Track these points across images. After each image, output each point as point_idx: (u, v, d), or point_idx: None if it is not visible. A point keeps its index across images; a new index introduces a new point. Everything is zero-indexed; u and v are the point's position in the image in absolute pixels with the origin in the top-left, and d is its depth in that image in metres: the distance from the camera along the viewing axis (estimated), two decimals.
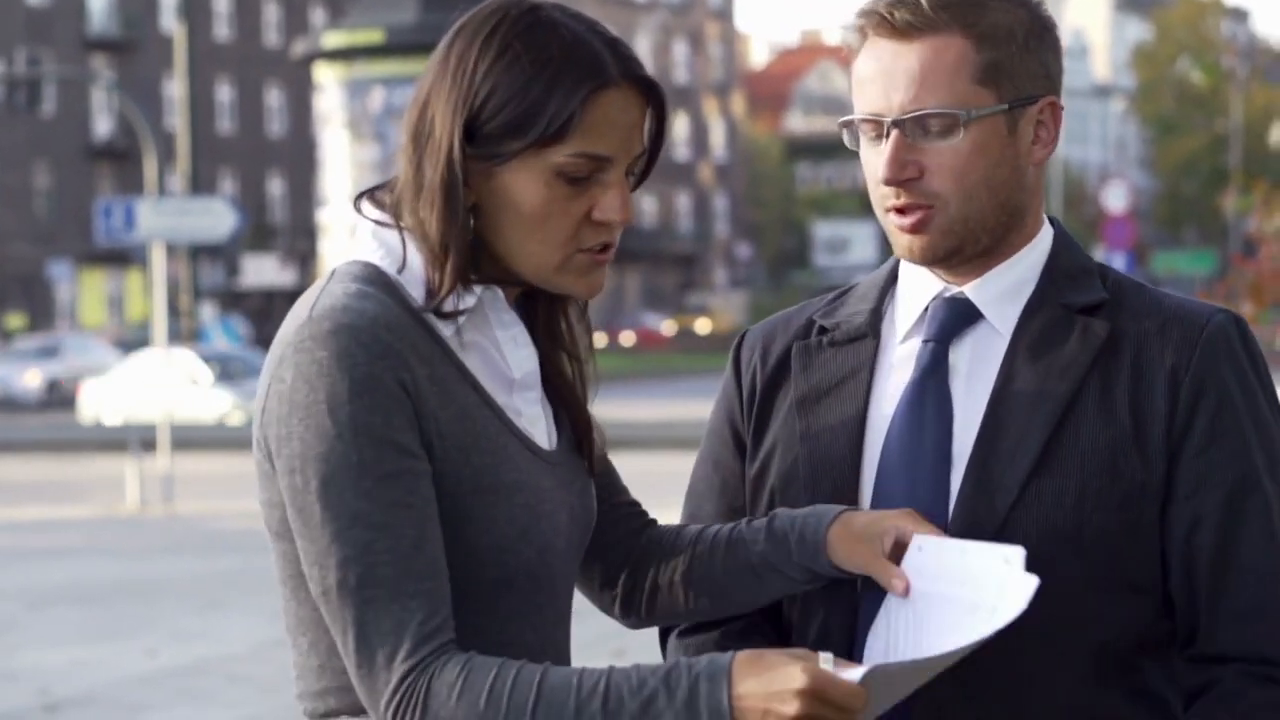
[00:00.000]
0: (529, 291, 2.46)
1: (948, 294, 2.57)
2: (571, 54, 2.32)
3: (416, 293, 2.36)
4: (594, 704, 2.18)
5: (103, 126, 69.95)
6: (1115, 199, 45.96)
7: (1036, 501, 2.43)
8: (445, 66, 2.36)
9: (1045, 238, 2.60)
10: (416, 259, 2.37)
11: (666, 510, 2.70)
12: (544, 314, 2.50)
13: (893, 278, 2.66)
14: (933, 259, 2.53)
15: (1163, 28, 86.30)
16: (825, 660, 2.17)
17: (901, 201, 2.49)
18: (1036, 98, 2.52)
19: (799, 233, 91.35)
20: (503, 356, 2.41)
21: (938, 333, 2.56)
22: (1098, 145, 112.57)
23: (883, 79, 2.49)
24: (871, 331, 2.61)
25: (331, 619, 2.28)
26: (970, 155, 2.48)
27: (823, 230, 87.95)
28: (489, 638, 2.33)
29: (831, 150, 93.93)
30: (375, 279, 2.35)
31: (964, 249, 2.52)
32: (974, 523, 2.42)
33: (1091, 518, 2.42)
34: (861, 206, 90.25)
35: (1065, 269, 2.58)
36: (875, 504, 2.51)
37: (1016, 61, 2.50)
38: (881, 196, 2.52)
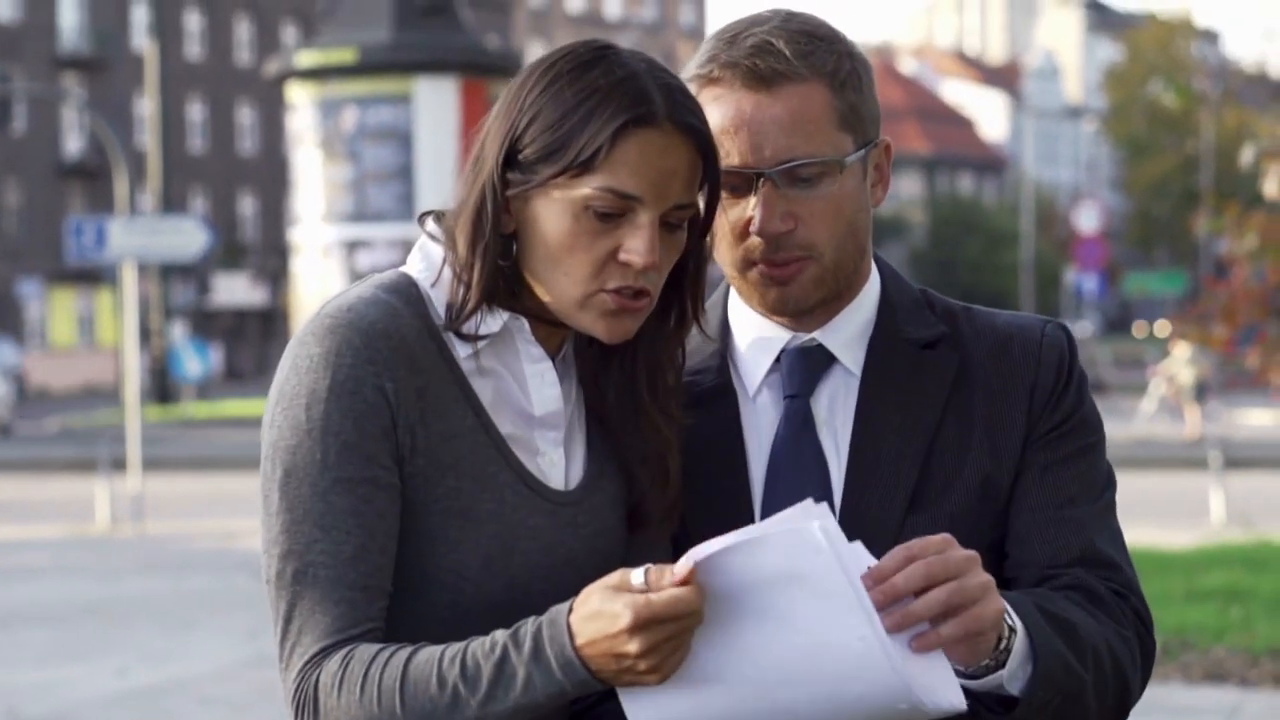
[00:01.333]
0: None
1: (796, 343, 2.55)
2: (617, 88, 2.31)
3: (441, 309, 2.37)
4: (453, 671, 2.19)
5: (73, 145, 69.78)
6: (1087, 220, 46.13)
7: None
8: (507, 96, 2.39)
9: (876, 274, 2.60)
10: (448, 276, 2.39)
11: None
12: (644, 364, 2.47)
13: (725, 324, 2.61)
14: (802, 310, 2.51)
15: (1134, 49, 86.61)
16: (636, 575, 2.12)
17: (778, 255, 2.46)
18: (877, 141, 2.53)
19: None
20: (524, 390, 2.41)
21: (800, 386, 2.54)
22: (1069, 166, 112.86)
23: (749, 130, 2.44)
24: (727, 387, 2.57)
25: (270, 607, 2.32)
26: (840, 203, 2.47)
27: None
28: None
29: None
30: (401, 288, 2.38)
31: (829, 299, 2.52)
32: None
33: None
34: None
35: (897, 302, 2.59)
36: None
37: (865, 105, 2.51)
38: (745, 252, 2.48)
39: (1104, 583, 2.48)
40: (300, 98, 15.82)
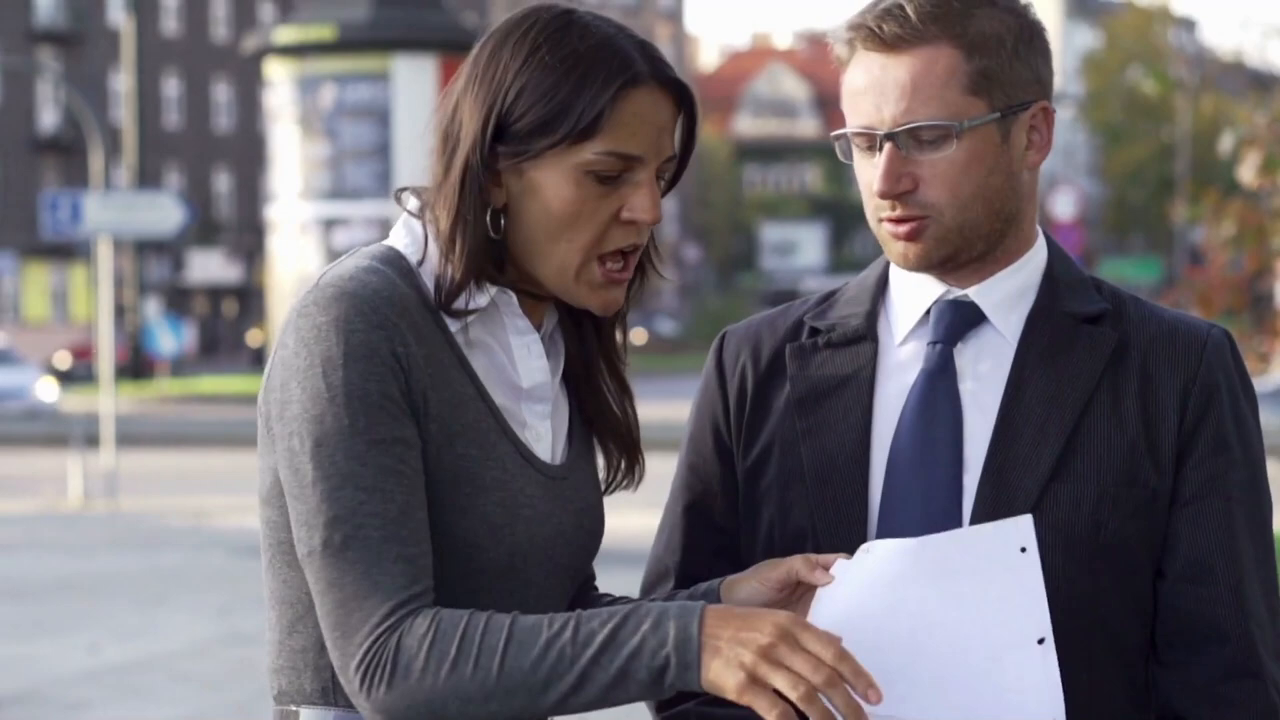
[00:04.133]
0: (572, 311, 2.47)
1: (950, 296, 2.57)
2: (601, 53, 2.34)
3: (417, 256, 2.37)
4: (564, 635, 2.18)
5: (48, 119, 69.55)
6: (1064, 206, 46.22)
7: (1055, 506, 2.44)
8: (476, 69, 2.39)
9: (1042, 247, 2.61)
10: (434, 253, 2.38)
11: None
12: (589, 331, 2.50)
13: (883, 280, 2.65)
14: (927, 266, 2.53)
15: (1112, 35, 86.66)
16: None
17: (898, 213, 2.49)
18: (1029, 103, 2.52)
19: (747, 235, 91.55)
20: (512, 363, 2.41)
21: (945, 335, 2.56)
22: None
23: (873, 92, 2.48)
24: (870, 333, 2.60)
25: (314, 580, 2.27)
26: (965, 165, 2.47)
27: (771, 233, 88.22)
28: None
29: (780, 153, 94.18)
30: (392, 260, 2.37)
31: (958, 256, 2.52)
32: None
33: (1109, 523, 2.43)
34: (810, 209, 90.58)
35: (1063, 279, 2.59)
36: (886, 503, 2.50)
37: (1007, 68, 2.49)
38: (876, 208, 2.51)
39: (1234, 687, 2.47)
40: (278, 74, 15.78)
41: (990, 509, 2.44)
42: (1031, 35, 2.52)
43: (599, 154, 2.32)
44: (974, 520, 2.43)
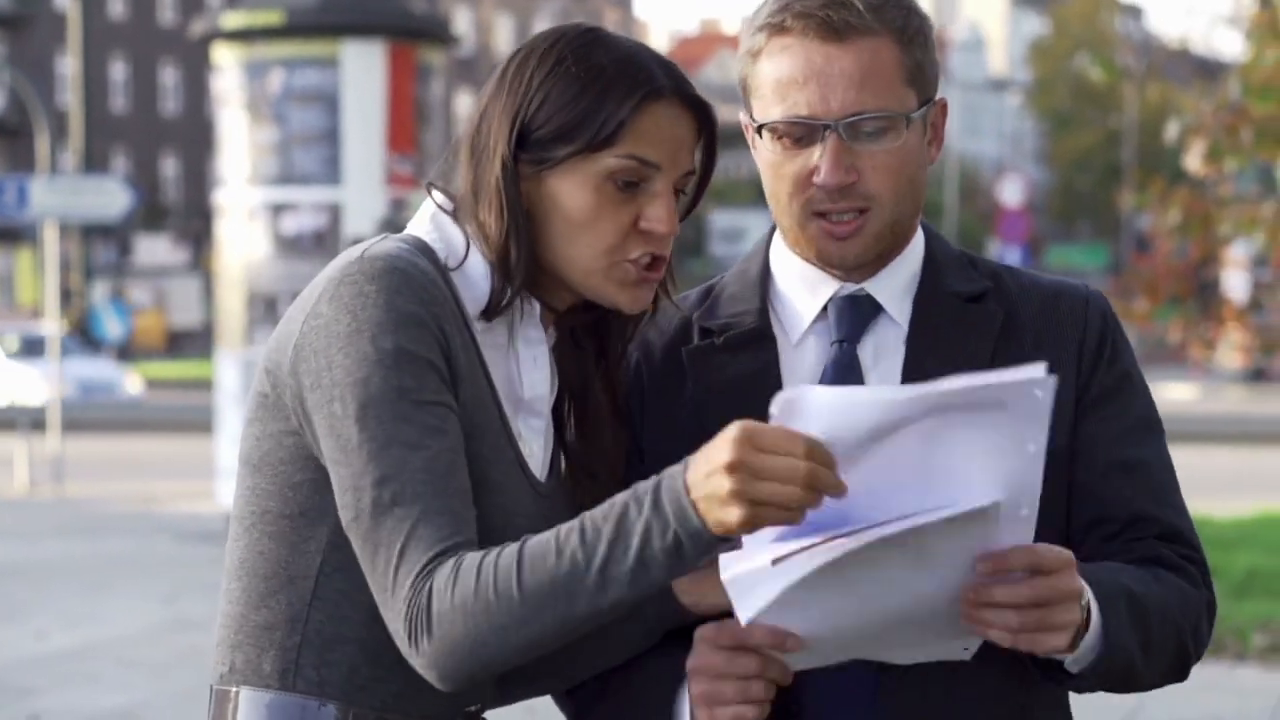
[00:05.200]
0: (588, 326, 2.51)
1: (845, 292, 2.58)
2: (626, 66, 2.40)
3: (468, 294, 2.39)
4: (571, 540, 2.17)
5: None
6: (1011, 193, 46.32)
7: None
8: (503, 82, 2.43)
9: (920, 230, 2.64)
10: (478, 261, 2.41)
11: None
12: (589, 355, 2.54)
13: (765, 273, 2.64)
14: (862, 263, 2.54)
15: (1059, 23, 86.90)
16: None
17: (838, 205, 2.49)
18: (935, 99, 2.57)
19: (695, 221, 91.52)
20: (518, 372, 2.44)
21: (848, 332, 2.57)
22: (993, 139, 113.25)
23: (816, 81, 2.47)
24: (766, 332, 2.60)
25: (362, 545, 2.27)
26: (903, 157, 2.50)
27: (719, 220, 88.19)
28: None
29: (729, 140, 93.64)
30: (427, 251, 2.40)
31: (887, 253, 2.55)
32: None
33: None
34: (758, 195, 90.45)
35: (941, 258, 2.63)
36: None
37: (929, 61, 2.54)
38: (808, 201, 2.51)
39: (1173, 548, 2.53)
40: (226, 59, 15.71)
41: None
42: (931, 30, 2.57)
43: (620, 159, 2.36)
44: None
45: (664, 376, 2.61)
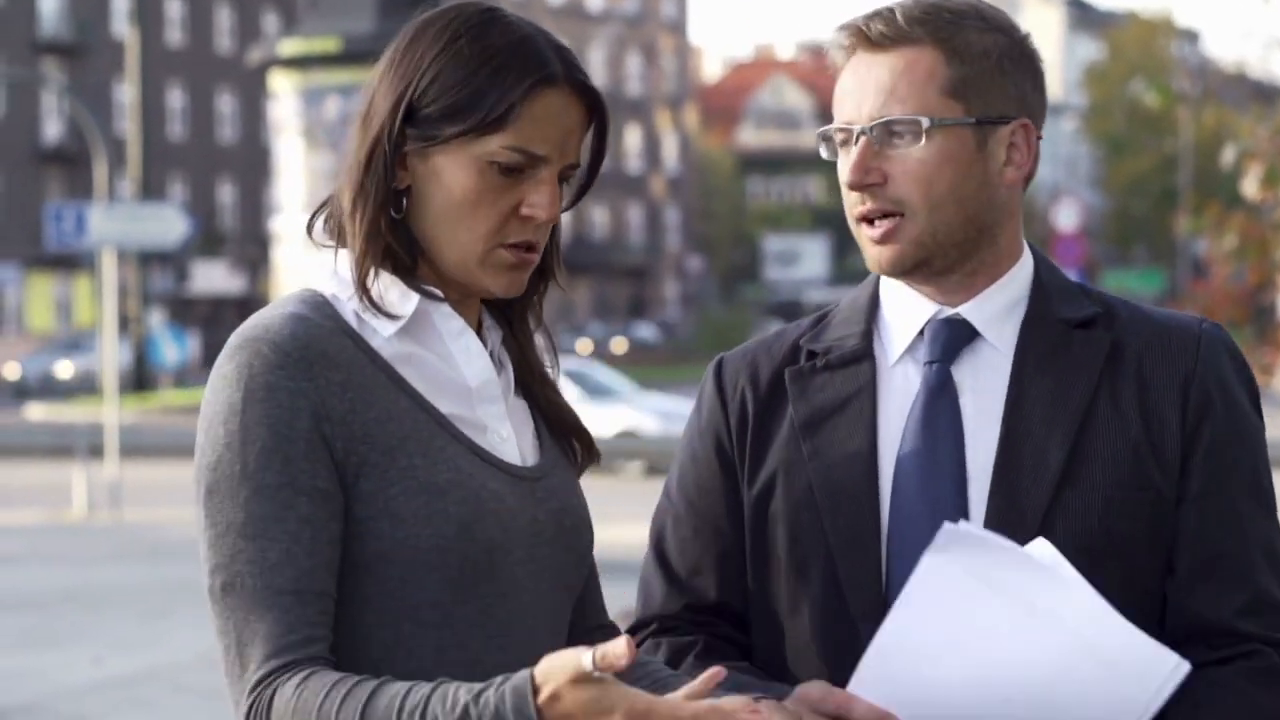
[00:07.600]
0: (501, 310, 2.49)
1: (942, 315, 2.59)
2: (519, 50, 2.38)
3: (346, 294, 2.39)
4: (415, 708, 2.15)
5: (52, 130, 69.56)
6: (1066, 217, 46.11)
7: (1064, 514, 2.47)
8: (395, 55, 2.43)
9: (1029, 259, 2.64)
10: (345, 259, 2.42)
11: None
12: (515, 328, 2.52)
13: (874, 299, 2.67)
14: (900, 270, 2.56)
15: (1115, 47, 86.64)
16: (586, 660, 2.07)
17: (868, 207, 2.54)
18: (1009, 119, 2.56)
19: (750, 246, 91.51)
20: (454, 367, 2.43)
21: (941, 353, 2.59)
22: (1049, 164, 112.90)
23: (856, 90, 2.55)
24: (867, 353, 2.63)
25: (212, 619, 2.32)
26: (934, 164, 2.52)
27: (773, 244, 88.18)
28: (445, 642, 2.34)
29: (783, 164, 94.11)
30: (306, 299, 2.40)
31: (932, 261, 2.56)
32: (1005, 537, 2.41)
33: (1117, 528, 2.46)
34: (812, 220, 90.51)
35: (1051, 286, 2.62)
36: (894, 523, 2.53)
37: (988, 80, 2.54)
38: (850, 204, 2.57)
39: (1259, 621, 2.49)
40: (283, 86, 15.80)
41: (1001, 518, 2.47)
42: (1020, 55, 2.58)
43: (504, 148, 2.35)
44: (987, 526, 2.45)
45: (768, 398, 2.65)
